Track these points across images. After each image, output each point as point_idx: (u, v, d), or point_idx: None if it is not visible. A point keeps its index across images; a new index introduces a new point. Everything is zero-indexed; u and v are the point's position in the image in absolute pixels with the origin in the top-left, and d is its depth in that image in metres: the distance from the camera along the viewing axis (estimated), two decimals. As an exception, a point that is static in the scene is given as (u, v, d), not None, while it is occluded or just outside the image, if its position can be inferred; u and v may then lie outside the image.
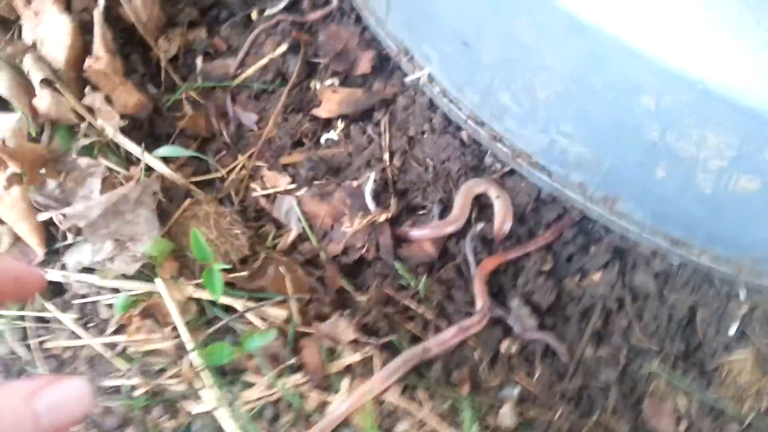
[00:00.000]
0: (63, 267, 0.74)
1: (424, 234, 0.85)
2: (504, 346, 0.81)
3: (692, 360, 0.84)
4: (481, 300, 0.81)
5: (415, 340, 0.81)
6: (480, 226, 0.87)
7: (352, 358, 0.76)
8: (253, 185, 0.88)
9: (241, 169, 0.89)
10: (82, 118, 0.81)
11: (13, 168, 0.76)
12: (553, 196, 0.87)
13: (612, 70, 0.66)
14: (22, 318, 0.77)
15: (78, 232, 0.72)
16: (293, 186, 0.87)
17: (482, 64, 0.79)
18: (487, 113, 0.85)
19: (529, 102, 0.77)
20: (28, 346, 0.76)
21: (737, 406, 0.81)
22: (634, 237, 0.84)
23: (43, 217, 0.71)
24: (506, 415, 0.76)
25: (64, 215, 0.70)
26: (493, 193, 0.87)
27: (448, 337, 0.78)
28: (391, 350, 0.79)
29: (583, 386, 0.80)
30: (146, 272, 0.76)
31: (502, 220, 0.86)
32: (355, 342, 0.77)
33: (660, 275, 0.85)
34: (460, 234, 0.87)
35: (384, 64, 0.96)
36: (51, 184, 0.76)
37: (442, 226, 0.84)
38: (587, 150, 0.77)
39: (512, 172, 0.90)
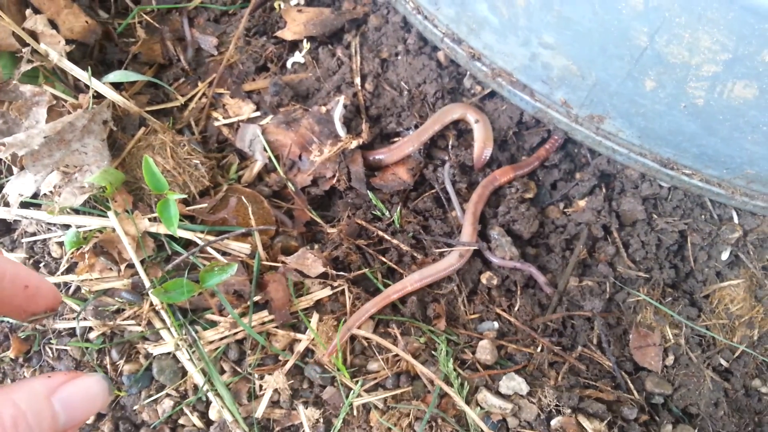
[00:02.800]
0: (4, 199, 0.68)
1: (381, 154, 0.79)
2: (484, 278, 0.77)
3: (682, 288, 0.80)
4: (469, 230, 0.76)
5: (390, 272, 0.76)
6: (458, 152, 0.81)
7: (321, 293, 0.72)
8: (214, 114, 0.82)
9: (201, 97, 0.82)
10: (24, 44, 0.74)
11: (-52, 97, 0.69)
12: (536, 118, 0.82)
13: (596, -31, 0.59)
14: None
15: (21, 162, 0.67)
16: (257, 114, 0.81)
17: (456, -29, 0.72)
18: (465, 28, 0.78)
19: (509, 10, 0.71)
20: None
21: (728, 336, 0.77)
22: (621, 159, 0.79)
23: (-21, 147, 0.65)
24: (485, 350, 0.72)
25: (3, 144, 0.64)
26: (471, 117, 0.81)
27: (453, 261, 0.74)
28: (364, 283, 0.75)
29: (566, 318, 0.76)
30: (99, 207, 0.71)
31: (482, 145, 0.81)
32: (324, 276, 0.73)
33: (649, 200, 0.81)
34: (438, 161, 0.82)
35: (354, -19, 0.89)
36: (-9, 114, 0.70)
37: (401, 146, 0.79)
38: (571, 62, 0.71)
39: (492, 94, 0.84)
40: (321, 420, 0.70)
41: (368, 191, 0.78)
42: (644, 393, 0.73)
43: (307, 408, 0.70)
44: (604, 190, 0.81)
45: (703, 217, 0.81)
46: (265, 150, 0.78)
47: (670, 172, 0.77)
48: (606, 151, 0.79)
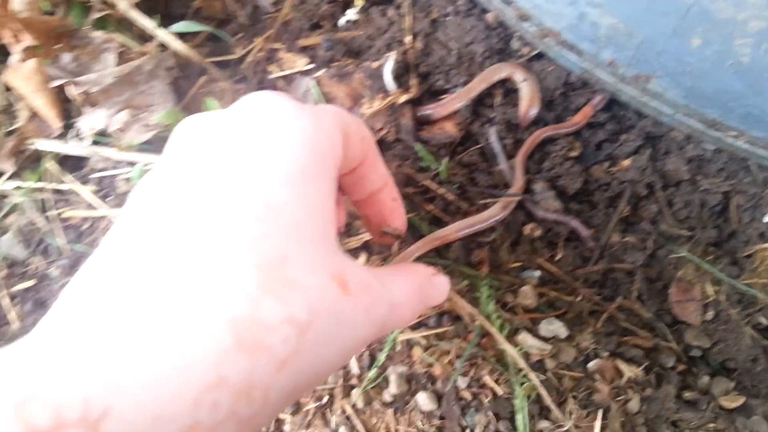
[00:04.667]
0: (77, 135, 0.73)
1: (430, 109, 0.82)
2: (527, 229, 0.79)
3: (724, 248, 0.80)
4: (521, 178, 0.79)
5: (436, 220, 0.79)
6: (504, 110, 0.84)
7: (369, 235, 0.75)
8: (270, 67, 0.86)
9: (258, 51, 0.86)
10: (96, -7, 0.79)
11: (28, 40, 0.75)
12: (583, 79, 0.84)
13: None
14: (40, 190, 0.77)
15: (93, 101, 0.71)
16: (311, 67, 0.85)
17: (509, -72, 0.75)
18: (515, -12, 0.81)
19: (558, -33, 0.73)
20: (47, 217, 0.76)
21: (769, 296, 0.78)
22: (667, 120, 0.80)
23: (56, 83, 0.70)
24: (526, 295, 0.74)
25: (77, 83, 0.69)
26: (518, 76, 0.83)
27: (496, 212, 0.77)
28: (411, 229, 0.78)
29: (607, 270, 0.78)
30: (164, 146, 0.75)
31: (528, 104, 0.83)
32: (373, 219, 0.76)
33: (693, 161, 0.82)
34: (484, 118, 0.84)
35: (407, -55, 0.92)
36: (66, 57, 0.75)
37: (450, 102, 0.82)
38: (618, 21, 0.73)
39: (540, 56, 0.86)
40: (366, 353, 0.74)
41: (416, 143, 0.81)
42: (683, 345, 0.75)
43: (352, 344, 0.73)
44: (649, 150, 0.82)
45: (747, 179, 0.81)
46: (317, 101, 0.82)
47: (715, 133, 0.78)
48: (652, 111, 0.80)
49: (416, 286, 0.45)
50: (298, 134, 0.36)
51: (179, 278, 0.30)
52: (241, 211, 0.32)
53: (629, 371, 0.69)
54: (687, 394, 0.70)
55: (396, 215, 0.53)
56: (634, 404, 0.69)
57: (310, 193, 0.36)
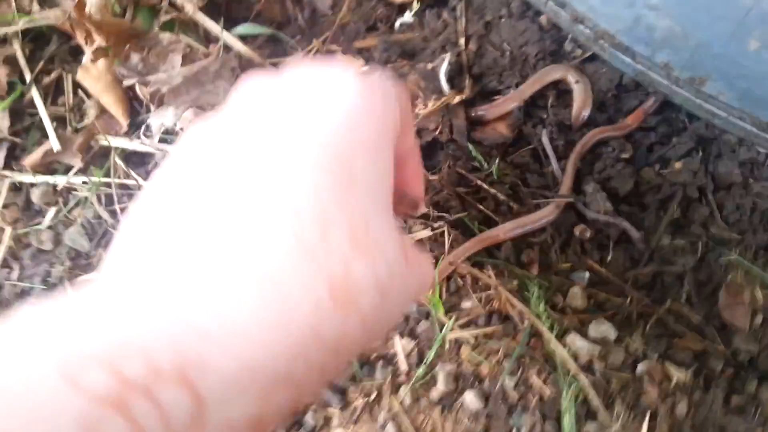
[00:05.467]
0: (147, 129, 0.77)
1: (483, 110, 0.84)
2: (577, 230, 0.80)
3: (776, 252, 0.80)
4: (570, 180, 0.80)
5: (487, 219, 0.80)
6: (556, 112, 0.85)
7: (422, 233, 0.77)
8: (327, 68, 0.88)
9: (315, 52, 0.89)
10: (162, -3, 0.83)
11: (99, 42, 0.78)
12: (636, 81, 0.84)
13: (708, -75, 0.62)
14: (108, 185, 0.81)
15: (160, 99, 0.75)
16: (367, 68, 0.87)
17: (566, -67, 0.76)
18: (569, -9, 0.81)
19: (615, -28, 0.73)
20: (113, 212, 0.80)
21: (820, 303, 0.78)
22: (720, 123, 0.80)
23: (128, 83, 0.74)
24: (576, 296, 0.76)
25: (148, 82, 0.73)
26: (571, 78, 0.84)
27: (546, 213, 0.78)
28: (462, 228, 0.79)
29: (657, 273, 0.78)
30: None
31: (580, 105, 0.84)
32: (425, 217, 0.78)
33: (746, 164, 0.82)
34: (537, 119, 0.86)
35: (461, -52, 0.94)
36: (135, 58, 0.78)
37: (503, 103, 0.83)
38: (675, 23, 0.73)
39: (593, 58, 0.87)
40: (415, 351, 0.76)
41: (468, 143, 0.82)
42: (731, 349, 0.75)
43: (402, 339, 0.76)
44: (701, 153, 0.83)
45: (801, 184, 0.81)
46: (373, 102, 0.84)
47: (769, 137, 0.77)
48: (705, 114, 0.80)
49: (431, 265, 0.47)
50: (374, 107, 0.37)
51: (275, 235, 0.30)
52: (331, 177, 0.33)
53: (678, 374, 0.70)
54: (735, 399, 0.71)
55: (417, 181, 0.53)
56: (681, 408, 0.69)
57: (381, 164, 0.37)
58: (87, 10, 0.76)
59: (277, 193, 0.31)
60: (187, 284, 0.28)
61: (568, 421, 0.69)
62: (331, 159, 0.33)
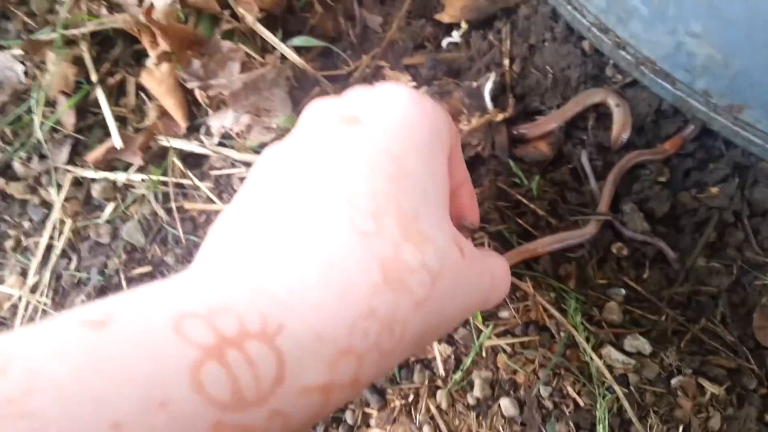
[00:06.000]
0: (206, 131, 0.80)
1: (525, 129, 0.86)
2: (614, 248, 0.82)
3: (809, 278, 0.82)
4: (605, 202, 0.82)
5: (526, 233, 0.83)
6: (596, 133, 0.88)
7: (464, 242, 0.79)
8: (375, 83, 0.92)
9: (365, 67, 0.92)
10: (224, 7, 0.87)
11: (163, 46, 0.82)
12: (675, 107, 0.87)
13: (754, -43, 0.65)
14: (164, 183, 0.84)
15: (218, 104, 0.78)
16: (413, 84, 0.90)
17: (614, -38, 0.79)
18: (613, 18, 0.85)
19: (659, 0, 0.76)
20: (168, 209, 0.84)
21: None
22: (756, 151, 0.82)
23: (189, 86, 0.78)
24: (612, 311, 0.77)
25: (210, 86, 0.76)
26: (612, 101, 0.87)
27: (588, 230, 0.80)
28: (501, 240, 0.82)
29: (692, 293, 0.80)
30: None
31: (620, 128, 0.87)
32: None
33: (782, 191, 0.84)
34: (576, 140, 0.88)
35: (509, -26, 0.97)
36: (196, 63, 0.82)
37: (544, 122, 0.86)
38: (716, 51, 0.76)
39: (633, 83, 0.90)
40: (452, 357, 0.78)
41: (510, 160, 0.85)
42: (765, 370, 0.76)
43: (440, 344, 0.78)
44: (737, 179, 0.85)
45: (836, 213, 0.83)
46: (419, 116, 0.87)
47: (806, 166, 0.80)
48: (742, 142, 0.83)
49: (507, 266, 0.51)
50: (423, 114, 0.42)
51: (333, 220, 0.34)
52: (382, 170, 0.37)
53: (712, 389, 0.72)
54: (768, 417, 0.72)
55: (473, 210, 0.57)
56: (714, 422, 0.71)
57: (433, 164, 0.41)
58: (154, 15, 0.81)
59: (335, 186, 0.36)
60: (265, 263, 0.32)
61: (601, 431, 0.71)
62: (383, 155, 0.38)
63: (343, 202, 0.35)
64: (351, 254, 0.33)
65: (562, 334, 0.75)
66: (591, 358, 0.73)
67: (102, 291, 0.82)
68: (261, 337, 0.29)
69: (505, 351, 0.77)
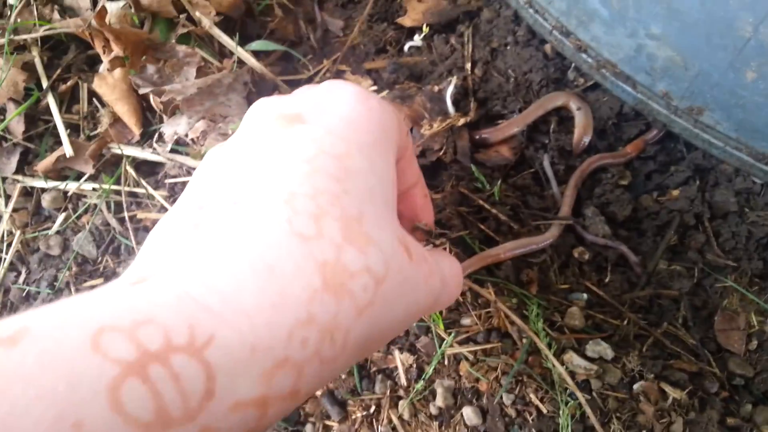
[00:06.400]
0: (159, 138, 0.78)
1: (487, 133, 0.86)
2: (576, 252, 0.81)
3: (770, 280, 0.82)
4: (567, 206, 0.81)
5: (488, 239, 0.82)
6: (558, 137, 0.87)
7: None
8: (336, 87, 0.90)
9: (325, 72, 0.91)
10: (180, 11, 0.85)
11: (116, 51, 0.80)
12: (636, 110, 0.86)
13: (708, -40, 0.65)
14: (117, 192, 0.82)
15: (173, 109, 0.76)
16: (375, 88, 0.89)
17: (572, -35, 0.79)
18: (574, 21, 0.84)
19: (619, 2, 0.76)
20: (121, 219, 0.81)
21: (814, 330, 0.79)
22: (717, 153, 0.82)
23: (143, 92, 0.75)
24: (574, 316, 0.77)
25: (163, 91, 0.74)
26: (573, 105, 0.87)
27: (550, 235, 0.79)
28: (463, 246, 0.81)
29: (654, 296, 0.80)
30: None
31: (581, 132, 0.86)
32: (427, 234, 0.79)
33: (742, 193, 0.84)
34: (538, 144, 0.88)
35: (470, -22, 0.97)
36: (150, 68, 0.80)
37: (506, 126, 0.85)
38: (675, 53, 0.75)
39: (595, 86, 0.89)
40: (414, 366, 0.77)
41: (472, 165, 0.84)
42: (726, 373, 0.76)
43: (402, 353, 0.77)
44: (698, 182, 0.85)
45: (795, 215, 0.83)
46: (380, 121, 0.86)
47: (764, 167, 0.80)
48: (702, 144, 0.83)
49: (458, 267, 0.49)
50: (369, 111, 0.40)
51: (270, 223, 0.32)
52: (324, 170, 0.35)
53: (674, 394, 0.71)
54: (730, 421, 0.72)
55: (427, 211, 0.56)
56: (677, 427, 0.70)
57: (379, 163, 0.40)
58: (107, 19, 0.79)
59: (273, 187, 0.34)
60: (196, 270, 0.31)
61: (564, 438, 0.70)
62: (326, 154, 0.36)
63: (281, 204, 0.33)
64: (288, 258, 0.31)
65: (524, 340, 0.75)
66: (553, 365, 0.72)
67: (53, 304, 0.79)
68: (188, 349, 0.27)
69: (467, 359, 0.76)
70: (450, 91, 0.86)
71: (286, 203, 0.33)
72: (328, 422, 0.76)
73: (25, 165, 0.85)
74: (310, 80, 0.90)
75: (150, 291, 0.29)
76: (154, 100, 0.78)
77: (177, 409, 0.26)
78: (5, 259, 0.82)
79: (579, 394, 0.71)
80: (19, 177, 0.84)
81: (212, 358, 0.27)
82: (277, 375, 0.30)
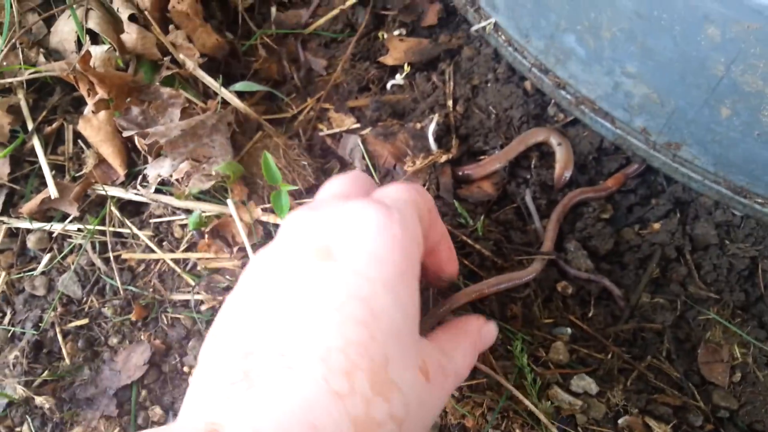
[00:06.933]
0: (143, 180, 0.79)
1: (470, 170, 0.87)
2: (559, 287, 0.82)
3: (751, 311, 0.83)
4: (550, 240, 0.82)
5: (472, 274, 0.82)
6: (539, 172, 0.88)
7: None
8: (320, 126, 0.92)
9: (309, 110, 0.92)
10: (165, 53, 0.86)
11: (101, 93, 0.81)
12: (616, 145, 0.88)
13: (678, 3, 0.66)
14: (102, 233, 0.82)
15: (158, 151, 0.77)
16: (358, 126, 0.90)
17: (548, 5, 0.80)
18: (552, 59, 0.86)
19: (595, 42, 0.78)
20: (106, 259, 0.82)
21: (796, 361, 0.80)
22: (696, 186, 0.84)
23: (127, 134, 0.76)
24: (558, 351, 0.77)
25: (147, 134, 0.75)
26: (554, 140, 0.88)
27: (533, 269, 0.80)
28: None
29: (637, 330, 0.80)
30: (218, 195, 0.81)
31: (563, 167, 0.87)
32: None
33: (722, 226, 0.85)
34: (520, 179, 0.89)
35: (450, 17, 0.99)
36: (135, 110, 0.81)
37: (488, 163, 0.87)
38: (652, 91, 0.77)
39: (575, 122, 0.91)
40: (400, 403, 0.76)
41: (455, 201, 0.85)
42: (710, 406, 0.76)
43: (388, 391, 0.76)
44: (678, 215, 0.86)
45: (774, 246, 0.84)
46: (363, 158, 0.87)
47: (742, 200, 0.81)
48: (681, 178, 0.84)
49: (473, 346, 0.53)
50: (392, 242, 0.43)
51: (311, 381, 0.36)
52: (353, 318, 0.39)
53: (658, 428, 0.71)
54: (715, 455, 0.72)
55: (451, 263, 0.60)
56: (662, 462, 0.70)
57: (404, 294, 0.43)
58: (91, 62, 0.80)
59: (311, 338, 0.38)
60: (255, 424, 0.34)
61: (550, 474, 0.70)
62: (354, 299, 0.40)
63: (318, 362, 0.37)
64: (328, 417, 0.35)
65: (509, 376, 0.75)
66: (536, 402, 0.72)
67: (37, 345, 0.79)
68: None
69: (453, 395, 0.76)
70: (432, 128, 0.87)
71: (323, 361, 0.37)
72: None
73: (10, 207, 0.85)
74: (294, 119, 0.92)
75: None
76: (138, 142, 0.79)
77: None
78: (-10, 301, 0.81)
79: None
80: (5, 218, 0.84)
81: None
82: None
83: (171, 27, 0.88)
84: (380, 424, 0.37)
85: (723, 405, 0.76)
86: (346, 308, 0.39)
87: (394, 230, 0.43)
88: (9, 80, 0.85)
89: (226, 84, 0.87)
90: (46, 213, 0.84)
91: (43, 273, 0.82)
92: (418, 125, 0.88)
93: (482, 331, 0.57)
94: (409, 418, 0.39)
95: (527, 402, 0.72)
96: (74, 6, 0.85)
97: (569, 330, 0.80)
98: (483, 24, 0.92)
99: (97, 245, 0.83)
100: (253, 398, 0.35)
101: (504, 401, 0.73)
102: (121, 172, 0.82)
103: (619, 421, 0.72)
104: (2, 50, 0.85)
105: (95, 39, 0.86)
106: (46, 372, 0.78)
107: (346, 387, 0.37)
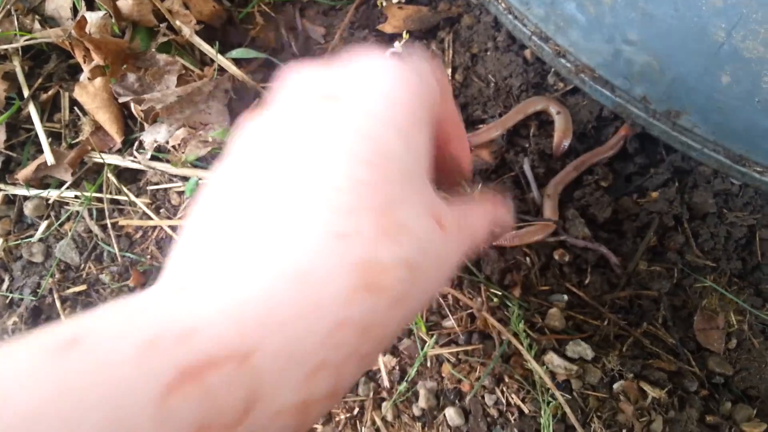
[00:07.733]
0: (139, 146, 0.78)
1: (469, 137, 0.86)
2: (557, 254, 0.82)
3: (748, 279, 0.83)
4: (550, 212, 0.82)
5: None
6: (538, 141, 0.88)
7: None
8: (318, 94, 0.91)
9: (307, 78, 0.92)
10: (161, 20, 0.86)
11: (97, 60, 0.81)
12: (615, 113, 0.87)
13: (680, -36, 0.66)
14: (99, 200, 0.82)
15: (154, 117, 0.77)
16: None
17: (548, -30, 0.80)
18: (552, 27, 0.85)
19: (596, 8, 0.77)
20: (103, 226, 0.82)
21: (793, 329, 0.80)
22: (695, 155, 0.83)
23: (123, 100, 0.76)
24: (554, 317, 0.77)
25: (143, 100, 0.75)
26: (553, 109, 0.88)
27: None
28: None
29: (634, 297, 0.81)
30: (215, 162, 0.80)
31: (561, 135, 0.87)
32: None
33: (720, 194, 0.85)
34: (519, 147, 0.89)
35: (450, -15, 0.98)
36: (131, 77, 0.81)
37: (486, 131, 0.86)
38: (652, 58, 0.77)
39: (574, 91, 0.90)
40: (397, 368, 0.77)
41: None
42: (706, 372, 0.77)
43: (384, 356, 0.77)
44: (677, 183, 0.86)
45: (772, 215, 0.84)
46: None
47: (741, 169, 0.81)
48: (681, 146, 0.84)
49: (490, 216, 0.48)
50: (407, 89, 0.39)
51: (310, 225, 0.31)
52: (363, 158, 0.34)
53: (653, 393, 0.72)
54: (709, 419, 0.72)
55: (460, 144, 0.53)
56: (657, 425, 0.71)
57: (416, 141, 0.38)
58: (87, 29, 0.79)
59: (313, 183, 0.33)
60: (234, 278, 0.30)
61: (545, 438, 0.71)
62: (364, 139, 0.35)
63: (320, 202, 0.32)
64: (326, 261, 0.31)
65: (504, 338, 0.75)
66: (532, 366, 0.73)
67: (35, 311, 0.79)
68: (232, 360, 0.27)
69: (449, 360, 0.76)
70: (430, 96, 0.87)
71: (327, 201, 0.32)
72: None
73: (6, 173, 0.85)
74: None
75: (191, 301, 0.29)
76: (134, 108, 0.78)
77: (221, 419, 0.26)
78: (-13, 267, 0.82)
79: (558, 395, 0.71)
80: (1, 185, 0.84)
81: (254, 367, 0.27)
82: (316, 378, 0.30)
83: (167, -7, 0.87)
84: (389, 268, 0.32)
85: (718, 371, 0.76)
86: (354, 148, 0.34)
87: (410, 79, 0.39)
88: (4, 47, 0.84)
89: (222, 51, 0.87)
90: (42, 180, 0.84)
91: (40, 240, 0.82)
92: (417, 93, 0.88)
93: (498, 202, 0.52)
94: (423, 267, 0.35)
95: (526, 355, 0.72)
96: (69, -29, 0.84)
97: (566, 297, 0.80)
98: (482, -9, 0.91)
99: (95, 212, 0.83)
100: (236, 248, 0.31)
101: (496, 361, 0.74)
102: (118, 139, 0.82)
103: (615, 386, 0.73)
104: (-3, 16, 0.84)
105: (91, 5, 0.86)
106: (44, 338, 0.78)
107: (350, 226, 0.32)
